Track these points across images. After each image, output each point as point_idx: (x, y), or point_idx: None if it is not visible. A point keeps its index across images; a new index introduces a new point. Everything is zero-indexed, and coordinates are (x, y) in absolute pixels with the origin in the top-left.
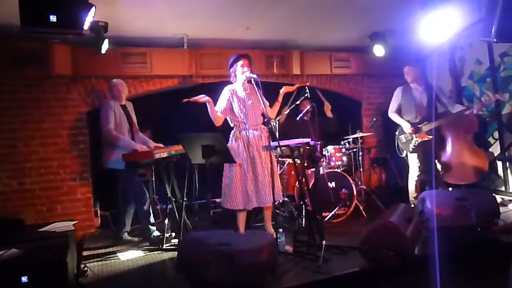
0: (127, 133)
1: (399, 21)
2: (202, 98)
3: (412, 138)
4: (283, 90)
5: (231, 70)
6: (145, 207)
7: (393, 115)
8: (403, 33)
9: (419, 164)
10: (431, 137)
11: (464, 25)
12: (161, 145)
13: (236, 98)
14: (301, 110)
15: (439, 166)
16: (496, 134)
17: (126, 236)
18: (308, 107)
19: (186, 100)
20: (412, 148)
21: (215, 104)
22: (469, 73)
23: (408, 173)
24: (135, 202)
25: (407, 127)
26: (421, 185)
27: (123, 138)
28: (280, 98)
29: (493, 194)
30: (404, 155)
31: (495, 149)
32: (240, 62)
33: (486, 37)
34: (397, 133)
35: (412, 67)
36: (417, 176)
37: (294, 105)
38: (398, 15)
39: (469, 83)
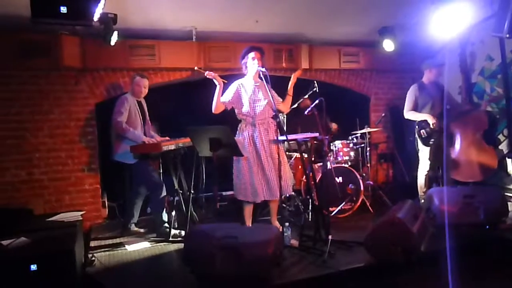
0: (140, 128)
1: (409, 16)
2: (219, 79)
3: (432, 133)
4: (292, 81)
5: (242, 61)
6: (161, 196)
7: (410, 114)
8: (413, 28)
9: (430, 160)
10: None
11: (476, 20)
12: (167, 138)
13: (245, 91)
14: (301, 106)
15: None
16: (506, 132)
17: (133, 227)
18: (317, 101)
19: (207, 73)
20: (431, 143)
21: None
22: (480, 69)
23: (418, 168)
24: (151, 191)
25: (431, 120)
26: (430, 181)
27: (132, 131)
28: (290, 92)
29: (502, 192)
30: (421, 149)
31: (505, 147)
32: (251, 54)
33: (498, 32)
34: (417, 126)
35: (437, 68)
36: (427, 171)
37: (302, 100)
38: (408, 10)
39: (480, 80)
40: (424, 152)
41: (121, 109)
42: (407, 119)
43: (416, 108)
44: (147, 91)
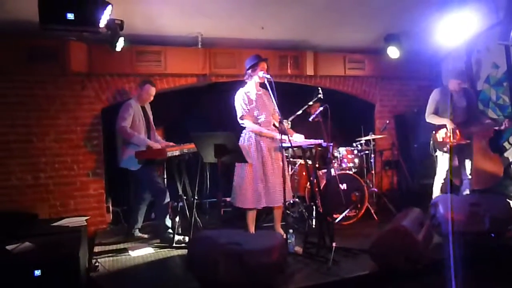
0: (144, 133)
1: (414, 23)
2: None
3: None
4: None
5: (248, 70)
6: (165, 202)
7: (431, 117)
8: (418, 35)
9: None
10: (468, 141)
11: (481, 28)
12: (171, 143)
13: (249, 99)
14: (310, 112)
15: (468, 170)
16: (511, 139)
17: (137, 232)
18: (321, 108)
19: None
20: (445, 150)
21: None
22: (486, 76)
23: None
24: (155, 197)
25: (450, 126)
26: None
27: (136, 135)
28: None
29: (507, 200)
30: (435, 154)
31: (510, 155)
32: (262, 65)
33: (503, 40)
34: (434, 131)
35: (454, 79)
36: (444, 179)
37: (306, 106)
38: (413, 17)
39: (485, 87)
40: (442, 160)
41: (124, 115)
42: (429, 122)
43: (437, 112)
44: (152, 98)
